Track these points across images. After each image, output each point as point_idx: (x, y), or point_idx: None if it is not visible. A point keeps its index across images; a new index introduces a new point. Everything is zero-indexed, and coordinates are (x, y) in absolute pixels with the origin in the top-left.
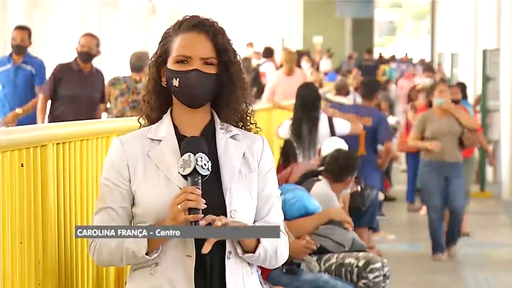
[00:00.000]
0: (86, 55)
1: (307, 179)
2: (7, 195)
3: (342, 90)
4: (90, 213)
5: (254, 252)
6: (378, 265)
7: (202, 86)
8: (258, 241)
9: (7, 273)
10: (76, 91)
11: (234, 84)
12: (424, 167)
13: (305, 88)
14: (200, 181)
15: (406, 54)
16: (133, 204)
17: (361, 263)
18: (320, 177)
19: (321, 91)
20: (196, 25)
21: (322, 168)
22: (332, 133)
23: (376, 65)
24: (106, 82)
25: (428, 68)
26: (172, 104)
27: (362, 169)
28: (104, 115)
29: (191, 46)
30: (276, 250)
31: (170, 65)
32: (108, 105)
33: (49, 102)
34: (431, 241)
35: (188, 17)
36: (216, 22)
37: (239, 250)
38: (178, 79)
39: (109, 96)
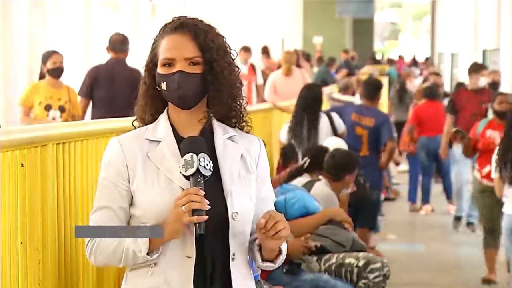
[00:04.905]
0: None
1: (293, 177)
2: (7, 195)
3: (347, 89)
4: (90, 213)
5: (272, 261)
6: (378, 265)
7: (187, 87)
8: (279, 251)
9: (7, 273)
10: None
11: (219, 82)
12: None
13: (307, 89)
14: (202, 181)
15: (414, 56)
16: (131, 204)
17: (361, 263)
18: (320, 177)
19: (325, 90)
20: (178, 26)
21: (304, 160)
22: (334, 131)
23: (356, 65)
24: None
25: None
26: (168, 105)
27: (364, 170)
28: None
29: (174, 48)
30: (284, 256)
31: (158, 69)
32: None
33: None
34: None
35: (173, 19)
36: (200, 21)
37: (259, 259)
38: (165, 82)
39: None
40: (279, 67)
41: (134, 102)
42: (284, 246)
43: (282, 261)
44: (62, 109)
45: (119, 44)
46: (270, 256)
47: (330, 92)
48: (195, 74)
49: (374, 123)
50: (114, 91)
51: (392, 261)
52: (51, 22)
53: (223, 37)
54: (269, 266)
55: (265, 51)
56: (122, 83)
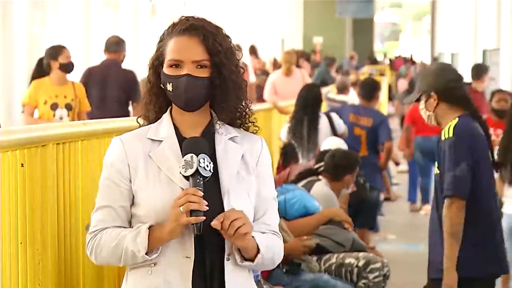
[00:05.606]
0: None
1: (303, 178)
2: (7, 195)
3: (344, 89)
4: (90, 213)
5: (253, 260)
6: (378, 265)
7: (194, 90)
8: (258, 250)
9: (7, 273)
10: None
11: (227, 85)
12: None
13: (307, 89)
14: (202, 182)
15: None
16: (132, 204)
17: (361, 263)
18: (320, 177)
19: (322, 91)
20: (187, 28)
21: (318, 165)
22: (334, 132)
23: (356, 65)
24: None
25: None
26: (171, 104)
27: (363, 170)
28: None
29: (182, 50)
30: (274, 255)
31: (165, 69)
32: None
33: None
34: None
35: (181, 19)
36: (208, 23)
37: (238, 258)
38: (171, 84)
39: None
40: (279, 66)
41: (126, 103)
42: (263, 244)
43: (263, 261)
44: (69, 107)
45: (113, 45)
46: (249, 256)
47: (326, 92)
48: (203, 77)
49: (372, 123)
50: (107, 92)
51: (392, 261)
52: (51, 22)
53: (229, 37)
54: (247, 265)
55: (253, 51)
56: (115, 84)
